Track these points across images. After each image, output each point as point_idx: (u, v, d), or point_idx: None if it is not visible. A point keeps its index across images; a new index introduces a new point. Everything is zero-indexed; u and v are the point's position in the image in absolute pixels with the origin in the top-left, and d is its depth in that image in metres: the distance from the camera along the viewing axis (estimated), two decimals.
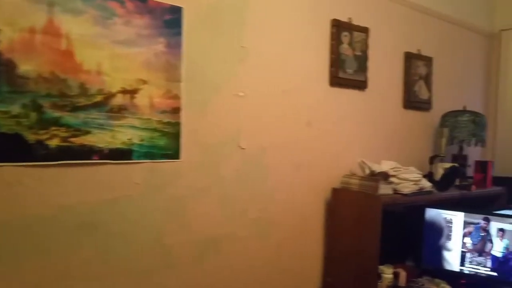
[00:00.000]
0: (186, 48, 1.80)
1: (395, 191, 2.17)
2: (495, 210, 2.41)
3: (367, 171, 2.28)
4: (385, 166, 2.32)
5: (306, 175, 2.26)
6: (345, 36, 2.35)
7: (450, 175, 2.34)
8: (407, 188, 2.16)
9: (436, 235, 2.26)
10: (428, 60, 2.82)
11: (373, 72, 2.53)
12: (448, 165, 2.54)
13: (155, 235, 1.78)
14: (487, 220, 2.14)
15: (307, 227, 2.29)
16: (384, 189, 2.10)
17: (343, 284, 2.21)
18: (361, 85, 2.46)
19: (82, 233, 1.59)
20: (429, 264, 2.27)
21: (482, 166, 2.68)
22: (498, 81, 3.32)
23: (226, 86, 1.95)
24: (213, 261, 1.96)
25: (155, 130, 1.73)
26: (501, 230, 2.10)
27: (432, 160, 2.55)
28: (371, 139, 2.56)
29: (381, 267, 2.17)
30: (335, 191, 2.29)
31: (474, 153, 3.17)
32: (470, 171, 2.79)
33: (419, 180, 2.20)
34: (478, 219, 2.16)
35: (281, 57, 2.13)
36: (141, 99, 1.69)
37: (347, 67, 2.37)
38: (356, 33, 2.40)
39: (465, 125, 2.61)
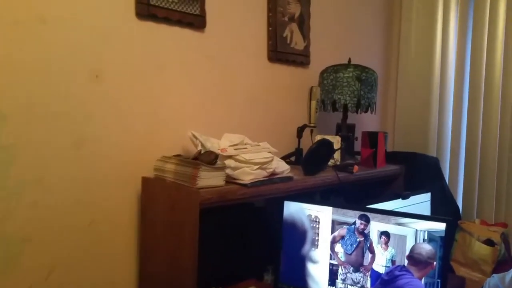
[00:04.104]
0: None
1: (232, 180, 1.42)
2: (385, 199, 1.77)
3: (201, 150, 1.51)
4: (226, 141, 1.56)
5: (96, 157, 1.42)
6: None
7: (318, 153, 1.63)
8: (248, 174, 1.41)
9: (297, 240, 1.56)
10: None
11: (216, 5, 1.73)
12: (323, 137, 1.84)
13: None
14: (365, 219, 1.46)
15: (106, 240, 1.48)
16: (210, 179, 1.33)
17: None
18: (194, 22, 1.64)
19: None
20: (288, 281, 1.57)
21: (371, 139, 2.02)
22: (400, 30, 2.67)
23: None
24: None
25: None
26: (385, 234, 1.43)
27: (300, 132, 1.84)
28: (217, 102, 1.78)
29: None
30: (146, 181, 1.49)
31: (370, 122, 2.54)
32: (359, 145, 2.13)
33: (267, 163, 1.46)
34: (352, 217, 1.48)
35: None
36: None
37: None
38: None
39: (347, 84, 1.91)
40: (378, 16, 2.62)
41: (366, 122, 2.48)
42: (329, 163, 1.91)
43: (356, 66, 1.95)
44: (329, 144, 1.68)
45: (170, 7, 1.55)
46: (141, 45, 1.52)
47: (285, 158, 1.84)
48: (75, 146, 1.38)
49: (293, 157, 1.84)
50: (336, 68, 1.96)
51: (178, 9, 1.58)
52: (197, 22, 1.65)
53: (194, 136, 1.54)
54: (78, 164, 1.38)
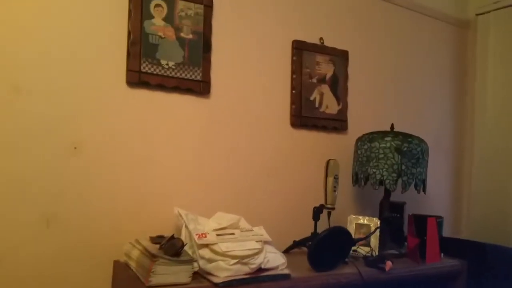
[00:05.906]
0: None
1: (206, 275, 1.17)
2: None
3: (183, 232, 1.31)
4: (213, 223, 1.34)
5: (67, 236, 1.30)
6: (156, 7, 1.43)
7: (330, 243, 1.31)
8: (223, 270, 1.15)
9: None
10: (338, 55, 1.82)
11: (225, 69, 1.57)
12: (358, 218, 1.52)
13: None
14: None
15: None
16: (170, 275, 1.10)
17: None
18: (194, 88, 1.50)
19: None
20: None
21: (419, 225, 1.61)
22: (474, 94, 2.24)
23: None
24: None
25: None
26: None
27: (316, 213, 1.53)
28: (220, 175, 1.57)
29: None
30: (116, 266, 1.31)
31: (436, 202, 2.10)
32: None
33: (250, 256, 1.19)
34: None
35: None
36: None
37: (162, 56, 1.43)
38: (182, 2, 1.47)
39: (384, 156, 1.58)
40: (444, 72, 2.24)
41: (426, 201, 2.05)
42: (364, 252, 1.56)
43: (397, 135, 1.61)
44: (343, 232, 1.35)
45: (164, 74, 1.43)
46: (129, 114, 1.40)
47: (299, 243, 1.54)
48: (45, 223, 1.27)
49: (310, 243, 1.52)
50: (371, 137, 1.64)
51: (174, 76, 1.45)
52: (198, 88, 1.50)
53: (179, 214, 1.35)
54: (46, 243, 1.26)
